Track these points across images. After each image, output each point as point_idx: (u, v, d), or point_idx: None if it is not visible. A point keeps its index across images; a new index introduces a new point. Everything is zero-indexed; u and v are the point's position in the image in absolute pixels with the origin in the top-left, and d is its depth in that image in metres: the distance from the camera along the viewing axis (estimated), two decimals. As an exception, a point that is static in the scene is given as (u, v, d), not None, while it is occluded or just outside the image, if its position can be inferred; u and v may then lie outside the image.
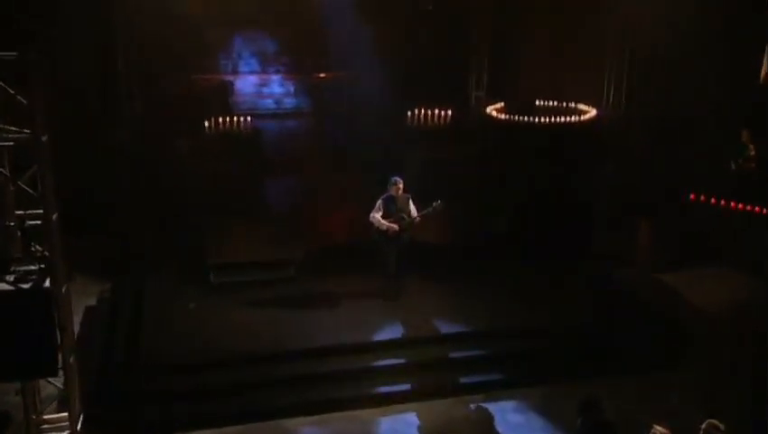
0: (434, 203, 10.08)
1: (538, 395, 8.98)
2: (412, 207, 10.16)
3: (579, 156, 11.94)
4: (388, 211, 10.08)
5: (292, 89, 16.34)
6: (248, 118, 12.57)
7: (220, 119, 12.18)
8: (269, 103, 16.08)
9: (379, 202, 10.15)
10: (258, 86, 16.18)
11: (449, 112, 12.99)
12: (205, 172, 11.64)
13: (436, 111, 13.00)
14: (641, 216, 11.87)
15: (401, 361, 9.27)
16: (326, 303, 10.20)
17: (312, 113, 15.81)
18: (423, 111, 13.01)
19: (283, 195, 12.59)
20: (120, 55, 11.77)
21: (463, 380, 9.16)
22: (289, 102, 16.32)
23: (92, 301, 10.26)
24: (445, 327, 9.76)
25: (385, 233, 10.10)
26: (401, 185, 10.10)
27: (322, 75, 16.32)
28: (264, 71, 16.17)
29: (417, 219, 10.15)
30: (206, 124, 12.03)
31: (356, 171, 12.77)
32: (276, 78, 16.17)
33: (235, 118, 12.38)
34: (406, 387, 9.00)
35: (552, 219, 11.54)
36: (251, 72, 16.11)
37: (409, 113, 13.07)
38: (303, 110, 16.08)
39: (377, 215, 10.09)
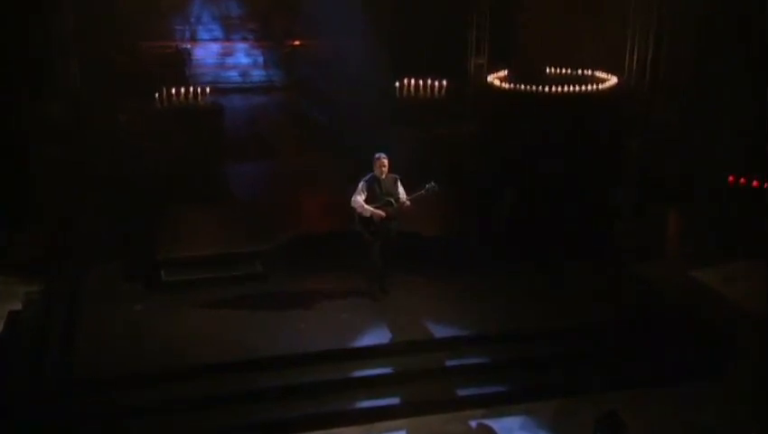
0: (426, 185, 9.95)
1: (548, 410, 8.95)
2: (400, 190, 10.04)
3: (597, 132, 11.87)
4: (373, 194, 9.96)
5: (260, 59, 16.36)
6: (207, 90, 12.57)
7: (174, 91, 12.17)
8: (234, 76, 16.11)
9: (362, 183, 10.01)
10: (221, 56, 16.19)
11: (444, 83, 13.04)
12: (155, 152, 11.67)
13: (429, 82, 13.04)
14: (670, 202, 11.91)
15: (388, 370, 9.24)
16: (300, 304, 10.16)
17: (284, 87, 15.82)
18: (414, 82, 13.07)
19: (249, 180, 12.73)
20: (52, 14, 11.54)
21: (461, 392, 9.10)
22: (257, 75, 16.36)
23: (16, 304, 10.08)
24: (440, 331, 9.73)
25: (369, 221, 9.98)
26: (386, 162, 9.96)
27: (296, 43, 16.32)
28: (228, 39, 16.15)
29: (407, 203, 10.02)
30: (156, 96, 12.02)
31: (336, 152, 12.84)
32: (241, 46, 16.13)
33: (191, 89, 12.41)
34: (394, 401, 8.95)
35: (564, 205, 11.52)
36: (212, 40, 16.08)
37: (398, 85, 13.10)
38: (273, 84, 16.13)
39: (359, 199, 9.96)
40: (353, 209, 10.01)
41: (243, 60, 16.14)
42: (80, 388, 8.71)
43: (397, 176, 10.09)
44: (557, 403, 8.99)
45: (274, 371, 9.04)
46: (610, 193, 12.17)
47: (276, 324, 9.74)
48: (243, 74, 15.99)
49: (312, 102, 15.23)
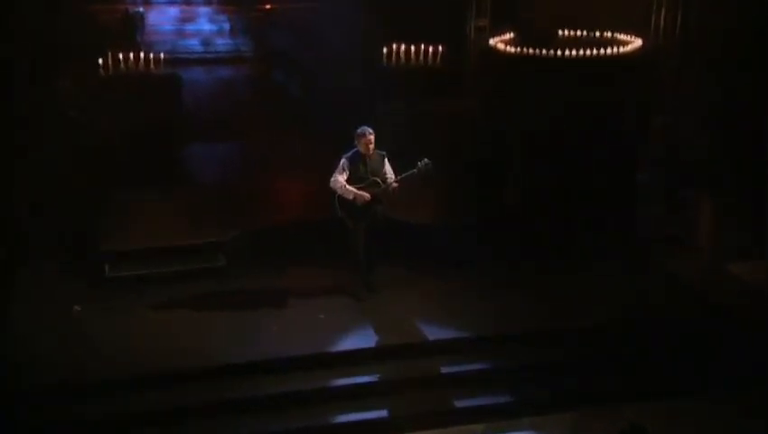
0: (419, 163, 9.94)
1: (557, 425, 8.99)
2: (388, 168, 10.09)
3: (618, 105, 11.79)
4: (356, 173, 9.97)
5: (226, 25, 16.26)
6: (161, 56, 12.54)
7: (121, 56, 12.12)
8: (194, 44, 15.99)
9: (343, 161, 10.01)
10: (180, 21, 16.06)
11: (440, 49, 12.93)
12: (98, 127, 11.68)
13: (422, 48, 12.93)
14: (705, 188, 11.88)
15: (374, 378, 9.28)
16: (270, 303, 10.19)
17: (254, 58, 15.74)
18: (404, 49, 12.95)
19: (212, 162, 12.79)
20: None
21: (458, 403, 9.13)
22: (222, 43, 16.28)
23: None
24: (434, 333, 9.76)
25: (351, 205, 9.96)
26: (372, 138, 9.95)
27: (267, 7, 16.22)
28: (188, 2, 16.06)
29: (396, 184, 10.02)
30: (101, 62, 11.95)
31: (314, 132, 12.81)
32: (204, 11, 16.07)
33: (142, 55, 12.34)
34: (381, 414, 8.99)
35: (580, 190, 11.49)
36: (170, 3, 15.97)
37: (386, 52, 12.99)
38: (241, 54, 16.04)
39: (340, 178, 9.95)
40: (333, 191, 9.98)
41: (206, 26, 16.00)
42: (9, 399, 8.62)
43: (384, 153, 10.12)
44: (569, 417, 9.05)
45: (238, 381, 9.02)
46: (634, 176, 12.16)
47: (242, 326, 9.73)
48: (206, 43, 15.87)
49: (286, 75, 15.12)
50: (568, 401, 9.18)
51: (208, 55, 15.91)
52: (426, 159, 9.90)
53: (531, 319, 10.06)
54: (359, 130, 9.99)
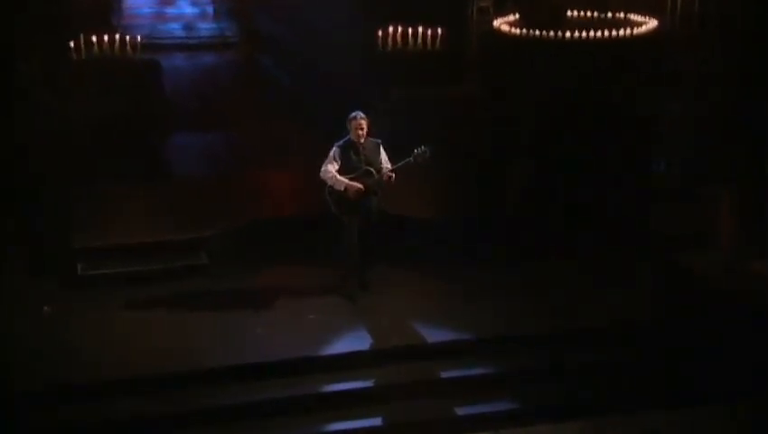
0: (416, 150, 9.92)
1: (569, 433, 8.92)
2: (384, 157, 10.07)
3: (632, 91, 11.80)
4: (348, 162, 9.94)
5: (210, 9, 16.32)
6: (138, 39, 12.64)
7: (95, 39, 12.19)
8: (175, 29, 16.06)
9: (334, 149, 10.00)
10: (160, 4, 16.12)
11: (439, 31, 13.00)
12: (69, 114, 11.67)
13: (420, 30, 13.00)
14: (726, 180, 11.75)
15: (368, 384, 9.22)
16: (256, 303, 10.18)
17: (239, 43, 15.79)
18: (401, 31, 13.02)
19: (194, 153, 12.97)
20: None
21: (459, 410, 9.09)
22: (206, 28, 16.35)
23: None
24: (433, 335, 9.74)
25: (342, 197, 9.94)
26: (364, 122, 9.93)
27: (252, -13, 16.27)
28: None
29: (391, 174, 9.98)
30: (72, 45, 12.03)
31: (304, 121, 13.04)
32: (185, -7, 16.18)
33: (118, 38, 12.47)
34: (375, 422, 8.95)
35: (590, 182, 11.49)
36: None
37: (381, 35, 13.07)
38: (226, 39, 16.10)
39: (330, 168, 9.94)
40: (323, 182, 9.97)
41: (187, 9, 16.08)
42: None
43: (379, 141, 10.12)
44: (578, 426, 8.98)
45: (220, 386, 8.98)
46: (648, 167, 12.25)
47: (225, 328, 9.71)
48: (187, 27, 15.94)
49: (274, 60, 15.15)
50: (578, 409, 9.12)
51: (190, 40, 16.02)
52: (422, 146, 9.89)
53: (537, 320, 10.05)
54: (351, 115, 9.97)
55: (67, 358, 9.18)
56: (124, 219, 11.19)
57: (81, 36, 12.11)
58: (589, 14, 12.73)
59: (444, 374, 9.35)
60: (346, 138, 9.96)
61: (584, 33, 11.63)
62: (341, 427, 8.81)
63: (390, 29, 12.99)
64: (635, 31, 11.94)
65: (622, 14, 12.55)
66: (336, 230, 10.16)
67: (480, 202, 11.76)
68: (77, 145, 11.61)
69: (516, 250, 11.10)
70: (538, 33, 11.84)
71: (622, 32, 11.79)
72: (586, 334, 9.87)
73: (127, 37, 12.67)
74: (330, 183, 9.91)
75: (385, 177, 9.94)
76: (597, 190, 11.50)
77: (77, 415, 8.64)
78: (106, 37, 12.32)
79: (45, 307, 9.99)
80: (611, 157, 11.76)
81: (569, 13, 12.67)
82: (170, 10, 16.10)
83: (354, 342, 9.55)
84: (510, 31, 12.21)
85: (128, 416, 8.66)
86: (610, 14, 12.59)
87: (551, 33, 11.74)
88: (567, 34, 11.63)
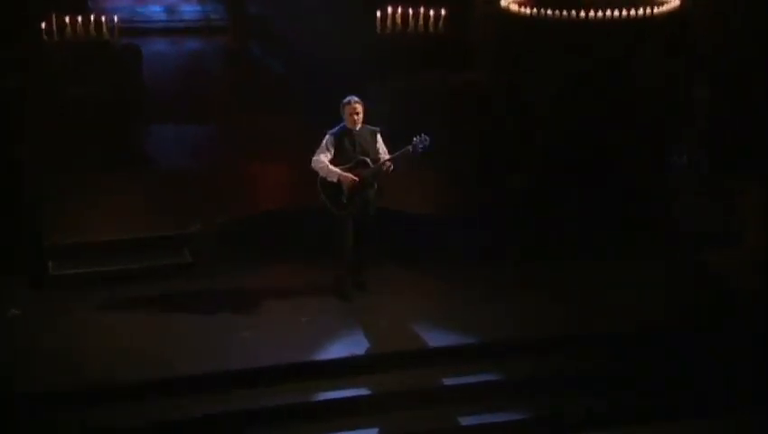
0: (414, 138, 9.87)
1: None
2: (381, 147, 10.07)
3: (651, 74, 11.89)
4: (342, 152, 9.94)
5: None
6: (115, 20, 12.62)
7: (68, 20, 12.18)
8: (157, 13, 16.10)
9: (327, 137, 9.99)
10: None
11: (442, 12, 12.98)
12: (42, 101, 11.77)
13: (422, 12, 12.98)
14: (752, 173, 11.78)
15: (365, 391, 9.22)
16: (244, 304, 10.21)
17: (228, 28, 15.83)
18: (400, 13, 12.98)
19: (178, 145, 13.07)
20: None
21: (463, 420, 9.08)
22: (190, 12, 16.41)
23: None
24: (435, 339, 9.74)
25: (336, 189, 9.94)
26: (359, 107, 9.92)
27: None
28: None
29: (388, 164, 9.97)
30: (43, 26, 12.03)
31: (297, 111, 13.08)
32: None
33: (93, 21, 12.40)
34: (372, 432, 8.95)
35: (604, 174, 11.56)
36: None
37: (379, 16, 13.04)
38: (213, 24, 16.12)
39: (323, 158, 9.93)
40: (316, 173, 9.96)
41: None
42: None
43: (377, 129, 10.10)
44: None
45: (204, 394, 8.95)
46: (670, 159, 12.28)
47: (209, 332, 9.71)
48: (171, 11, 15.96)
49: (265, 47, 15.14)
50: (591, 420, 9.17)
51: (173, 25, 16.08)
52: (421, 134, 9.85)
53: (546, 324, 10.08)
54: (345, 100, 9.96)
55: (35, 365, 9.15)
56: (99, 214, 11.19)
57: (53, 17, 12.09)
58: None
59: (445, 381, 9.36)
60: (340, 126, 9.95)
61: (600, 12, 11.58)
62: (335, 439, 8.85)
63: (389, 10, 12.93)
64: (656, 10, 11.90)
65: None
66: (330, 225, 10.11)
67: (481, 194, 11.79)
68: (49, 133, 11.68)
69: (526, 247, 11.17)
70: (550, 12, 11.80)
71: (641, 11, 11.75)
72: (596, 341, 9.88)
73: (104, 20, 12.63)
74: (322, 173, 9.90)
75: (382, 168, 9.92)
76: (614, 183, 11.55)
77: (42, 423, 8.55)
78: (80, 19, 12.30)
79: (13, 310, 9.99)
80: (629, 148, 11.83)
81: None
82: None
83: (350, 346, 9.54)
84: (519, 10, 12.16)
85: (98, 424, 8.56)
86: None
87: (565, 13, 11.70)
88: (583, 14, 11.60)
